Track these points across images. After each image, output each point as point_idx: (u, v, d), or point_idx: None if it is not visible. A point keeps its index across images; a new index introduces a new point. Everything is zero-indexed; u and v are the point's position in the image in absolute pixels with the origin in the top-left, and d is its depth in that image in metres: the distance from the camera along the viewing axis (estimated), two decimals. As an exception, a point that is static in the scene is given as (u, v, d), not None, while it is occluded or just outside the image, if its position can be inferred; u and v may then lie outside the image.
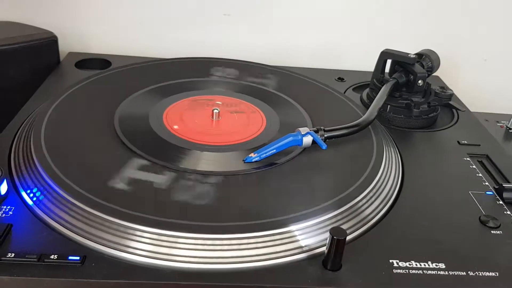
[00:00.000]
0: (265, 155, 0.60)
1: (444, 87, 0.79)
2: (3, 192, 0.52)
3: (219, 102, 0.74)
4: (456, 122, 0.79)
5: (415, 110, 0.76)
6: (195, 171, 0.58)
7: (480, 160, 0.69)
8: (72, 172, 0.55)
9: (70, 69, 0.88)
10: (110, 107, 0.69)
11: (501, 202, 0.60)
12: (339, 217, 0.53)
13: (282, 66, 0.90)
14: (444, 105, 0.79)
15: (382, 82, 0.80)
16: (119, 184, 0.54)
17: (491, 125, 0.84)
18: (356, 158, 0.63)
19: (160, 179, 0.56)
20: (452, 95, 0.78)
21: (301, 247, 0.50)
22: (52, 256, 0.46)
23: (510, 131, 0.82)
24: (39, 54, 0.86)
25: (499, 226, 0.56)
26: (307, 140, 0.61)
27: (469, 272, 0.49)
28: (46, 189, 0.53)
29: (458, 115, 0.82)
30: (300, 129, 0.62)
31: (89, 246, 0.48)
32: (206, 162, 0.60)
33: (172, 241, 0.48)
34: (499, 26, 1.01)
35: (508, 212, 0.58)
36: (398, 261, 0.49)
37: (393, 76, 0.79)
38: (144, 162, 0.58)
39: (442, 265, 0.49)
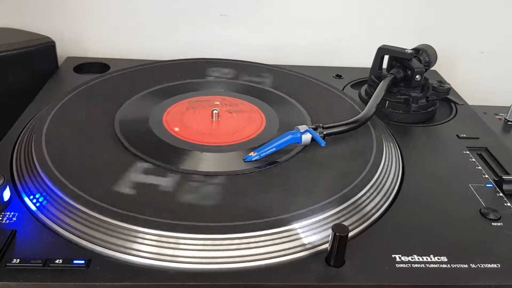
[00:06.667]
0: (265, 153, 0.60)
1: (442, 81, 0.80)
2: (6, 199, 0.53)
3: (218, 103, 0.74)
4: (454, 116, 0.80)
5: (413, 105, 0.77)
6: (196, 172, 0.58)
7: (479, 153, 0.70)
8: (74, 176, 0.55)
9: (69, 73, 0.88)
10: (110, 110, 0.70)
11: (501, 194, 0.60)
12: (340, 214, 0.53)
13: (280, 64, 0.91)
14: (442, 99, 0.79)
15: (380, 78, 0.80)
16: (121, 187, 0.55)
17: (489, 117, 0.84)
18: (356, 155, 0.64)
19: (161, 181, 0.56)
20: (450, 89, 0.79)
21: (304, 244, 0.50)
22: (57, 261, 0.46)
23: (508, 123, 0.83)
24: (37, 60, 0.86)
25: (500, 218, 0.56)
26: (306, 137, 0.61)
27: (471, 265, 0.49)
28: (49, 194, 0.53)
29: (456, 108, 0.82)
30: (299, 127, 0.62)
31: (93, 250, 0.48)
32: (207, 162, 0.60)
33: (176, 243, 0.48)
34: (495, 18, 1.01)
35: (508, 204, 0.58)
36: (400, 255, 0.50)
37: (390, 72, 0.79)
38: (145, 164, 0.59)
39: (444, 258, 0.50)
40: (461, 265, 0.49)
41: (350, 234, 0.50)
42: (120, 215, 0.50)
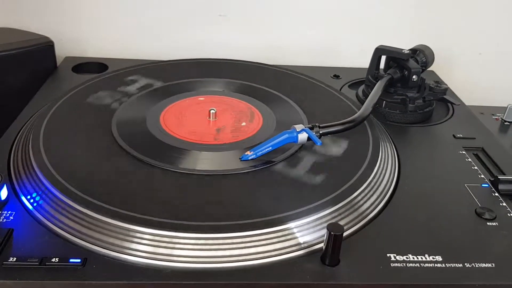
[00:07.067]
0: (261, 152, 0.60)
1: (439, 82, 0.80)
2: (3, 197, 0.53)
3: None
4: (451, 116, 0.80)
5: (410, 105, 0.77)
6: (192, 171, 0.58)
7: (475, 153, 0.70)
8: (70, 176, 0.55)
9: (67, 73, 0.88)
10: (107, 110, 0.70)
11: (496, 194, 0.60)
12: (336, 214, 0.53)
13: (278, 64, 0.91)
14: (439, 99, 0.79)
15: (377, 78, 0.81)
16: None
17: (486, 118, 0.84)
18: (352, 154, 0.64)
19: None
20: (447, 89, 0.79)
21: (299, 244, 0.50)
22: (53, 259, 0.46)
23: (505, 123, 0.83)
24: (36, 60, 0.86)
25: (495, 218, 0.56)
26: (303, 137, 0.62)
27: (465, 264, 0.50)
28: (45, 193, 0.53)
29: (453, 109, 0.82)
30: (295, 126, 0.62)
31: (89, 249, 0.48)
32: (204, 161, 0.60)
33: (171, 242, 0.48)
34: (493, 19, 1.01)
35: (504, 204, 0.59)
36: (395, 255, 0.50)
37: (387, 72, 0.79)
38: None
39: (439, 258, 0.50)
40: (456, 264, 0.50)
41: (346, 233, 0.51)
42: (116, 214, 0.50)
